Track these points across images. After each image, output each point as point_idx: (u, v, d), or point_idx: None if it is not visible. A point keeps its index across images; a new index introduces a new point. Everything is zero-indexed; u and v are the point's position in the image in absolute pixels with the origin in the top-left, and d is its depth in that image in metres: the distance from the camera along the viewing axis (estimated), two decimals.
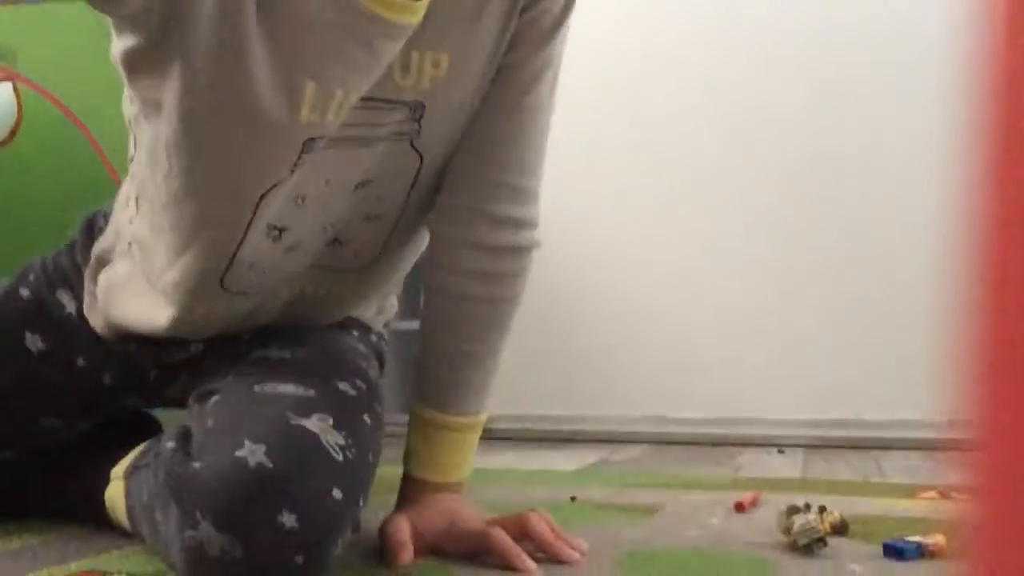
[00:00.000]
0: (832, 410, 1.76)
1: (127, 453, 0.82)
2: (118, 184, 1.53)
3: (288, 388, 0.68)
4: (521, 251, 0.77)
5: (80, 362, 0.84)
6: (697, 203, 1.87)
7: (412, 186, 0.75)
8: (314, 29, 0.61)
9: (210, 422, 0.67)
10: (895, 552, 0.70)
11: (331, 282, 0.80)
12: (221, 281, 0.72)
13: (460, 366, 0.77)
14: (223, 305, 0.75)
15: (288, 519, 0.59)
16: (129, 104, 0.71)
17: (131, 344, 0.82)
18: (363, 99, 0.66)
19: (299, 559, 0.60)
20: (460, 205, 0.76)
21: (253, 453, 0.60)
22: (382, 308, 0.93)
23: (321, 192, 0.71)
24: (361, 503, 0.66)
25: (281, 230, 0.71)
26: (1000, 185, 0.22)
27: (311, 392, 0.67)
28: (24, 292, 0.86)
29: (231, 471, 0.60)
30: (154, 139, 0.67)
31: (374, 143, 0.70)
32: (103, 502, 0.82)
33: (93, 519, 0.83)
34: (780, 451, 1.63)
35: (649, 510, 0.93)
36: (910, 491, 1.06)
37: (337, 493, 0.62)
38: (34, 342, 0.84)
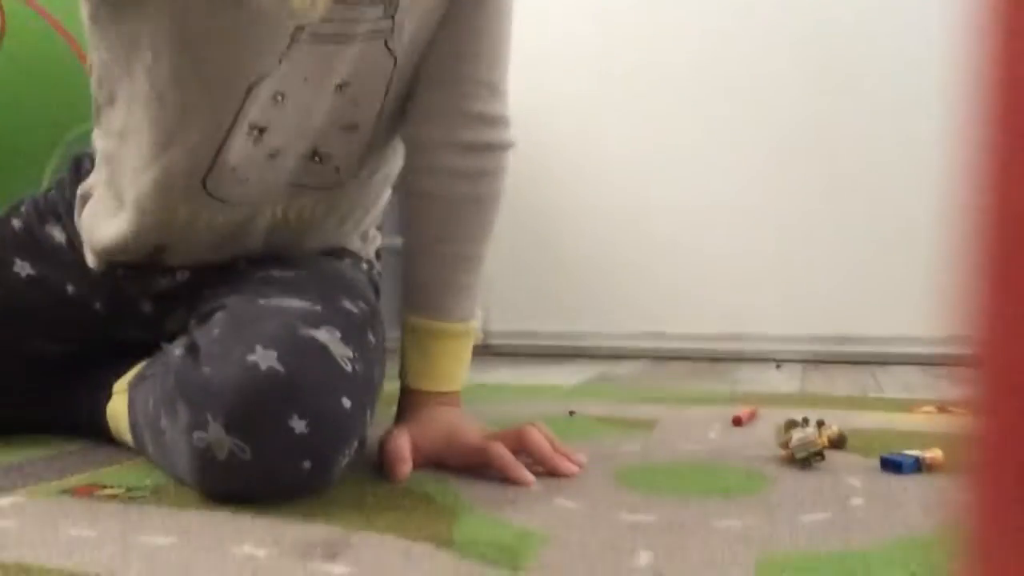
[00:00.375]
0: (830, 326, 1.76)
1: (129, 370, 0.82)
2: None
3: (294, 302, 0.67)
4: (498, 148, 0.78)
5: (70, 289, 0.85)
6: (701, 124, 1.84)
7: (387, 91, 0.75)
8: None
9: (216, 331, 0.66)
10: (892, 466, 0.71)
11: (312, 204, 0.80)
12: (204, 182, 0.72)
13: (450, 270, 0.78)
14: (206, 213, 0.75)
15: (298, 424, 0.60)
16: (90, 4, 0.69)
17: (118, 270, 0.82)
18: None
19: (306, 464, 0.60)
20: (435, 105, 0.76)
21: (264, 358, 0.60)
22: (366, 238, 0.93)
23: (300, 92, 0.70)
24: (368, 416, 0.66)
25: (262, 130, 0.71)
26: (997, 109, 0.21)
27: (317, 307, 0.67)
28: (15, 223, 0.87)
29: (242, 374, 0.60)
30: (135, 32, 0.66)
31: (351, 41, 0.70)
32: (105, 416, 0.82)
33: (95, 434, 0.84)
34: (778, 366, 1.64)
35: (647, 424, 0.94)
36: (907, 406, 1.07)
37: (346, 402, 0.62)
38: (23, 267, 0.84)
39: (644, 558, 0.50)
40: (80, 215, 0.83)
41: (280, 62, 0.67)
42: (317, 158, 0.76)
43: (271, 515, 0.59)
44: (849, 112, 1.75)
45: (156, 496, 0.65)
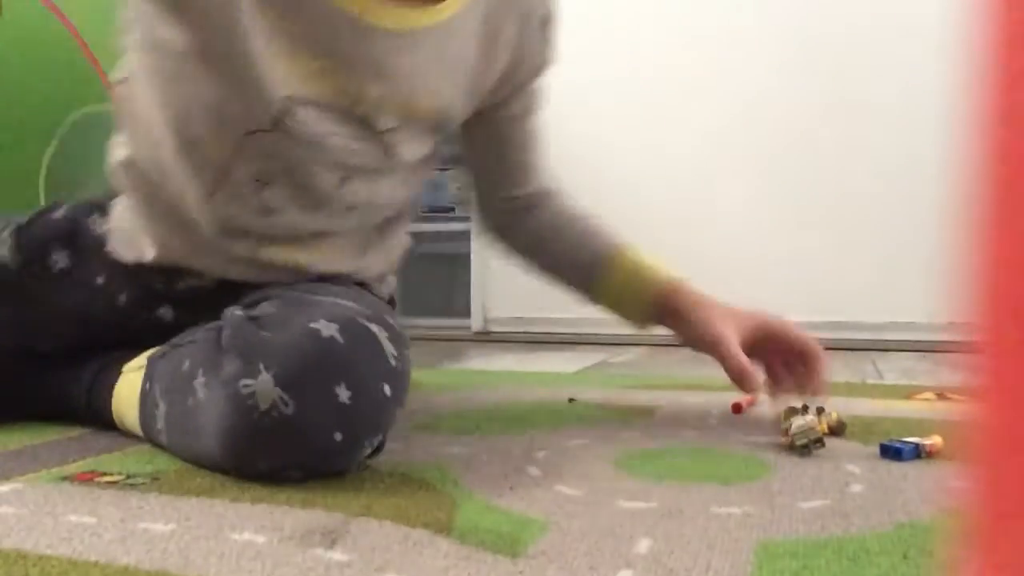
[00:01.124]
0: (829, 312, 1.76)
1: (138, 355, 0.82)
2: (103, 79, 1.49)
3: (346, 301, 0.69)
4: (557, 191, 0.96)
5: (99, 280, 0.85)
6: (700, 116, 1.84)
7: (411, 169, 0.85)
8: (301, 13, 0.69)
9: (275, 308, 0.68)
10: (892, 452, 0.71)
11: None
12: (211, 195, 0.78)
13: (595, 230, 0.94)
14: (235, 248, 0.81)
15: (343, 393, 0.61)
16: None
17: (149, 268, 0.84)
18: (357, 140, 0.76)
19: (338, 436, 0.62)
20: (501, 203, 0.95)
21: (326, 328, 0.63)
22: (382, 280, 0.94)
23: (306, 175, 0.77)
24: (398, 415, 0.67)
25: (264, 183, 0.77)
26: (999, 101, 0.21)
27: (368, 310, 0.68)
28: (58, 212, 0.88)
29: (303, 336, 0.63)
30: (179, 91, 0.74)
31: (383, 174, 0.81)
32: (110, 396, 0.82)
33: (90, 417, 0.84)
34: None
35: (647, 411, 0.94)
36: (907, 392, 1.07)
37: (387, 390, 0.64)
38: (59, 259, 0.85)
39: (644, 544, 0.50)
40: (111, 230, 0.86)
41: (273, 127, 0.73)
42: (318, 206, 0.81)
43: (270, 502, 0.59)
44: (849, 102, 1.75)
45: (156, 483, 0.65)
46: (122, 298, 0.86)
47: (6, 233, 0.85)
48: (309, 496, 0.60)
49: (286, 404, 0.61)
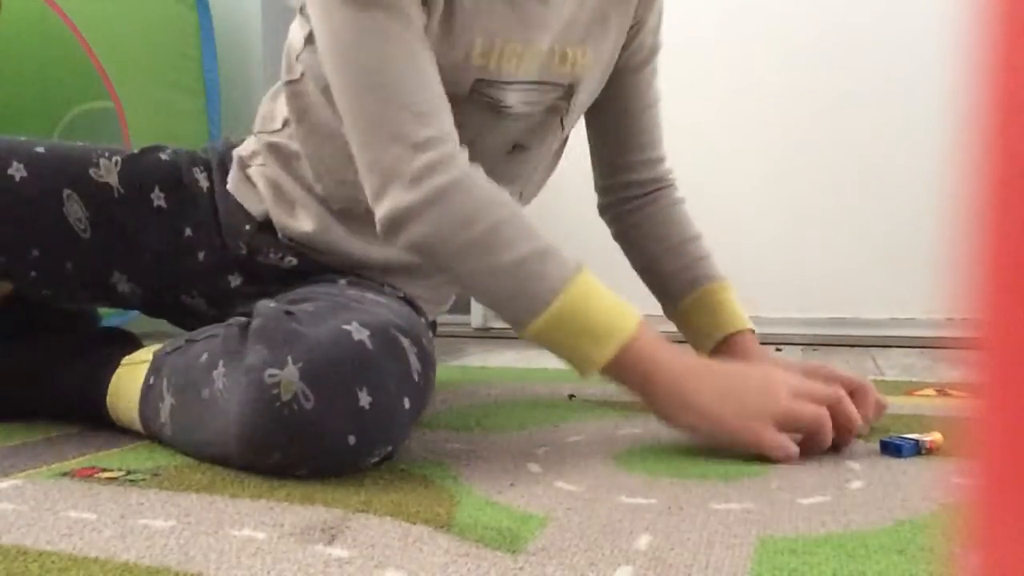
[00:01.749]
0: (830, 308, 1.76)
1: (135, 350, 0.83)
2: (103, 76, 1.49)
3: (385, 311, 0.70)
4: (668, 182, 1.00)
5: (187, 232, 0.87)
6: (702, 112, 1.83)
7: (552, 153, 0.94)
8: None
9: (312, 307, 0.69)
10: (892, 449, 0.71)
11: None
12: None
13: (694, 248, 0.97)
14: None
15: (364, 398, 0.62)
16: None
17: (249, 229, 0.88)
18: (536, 82, 0.82)
19: (351, 439, 0.62)
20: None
21: (359, 331, 0.64)
22: (439, 292, 0.96)
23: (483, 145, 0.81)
24: (410, 430, 0.68)
25: None
26: (1000, 97, 0.21)
27: (403, 324, 0.68)
28: (163, 155, 0.90)
29: (334, 336, 0.63)
30: None
31: (531, 116, 0.85)
32: (106, 389, 0.81)
33: (84, 411, 0.83)
34: (778, 349, 1.63)
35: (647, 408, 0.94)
36: (907, 389, 1.07)
37: (407, 403, 0.65)
38: (158, 197, 0.87)
39: (644, 540, 0.50)
40: (242, 182, 0.89)
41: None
42: None
43: (270, 498, 0.59)
44: (853, 99, 1.74)
45: (156, 479, 0.65)
46: (201, 255, 0.88)
47: (116, 159, 0.86)
48: (309, 492, 0.60)
49: (307, 399, 0.61)
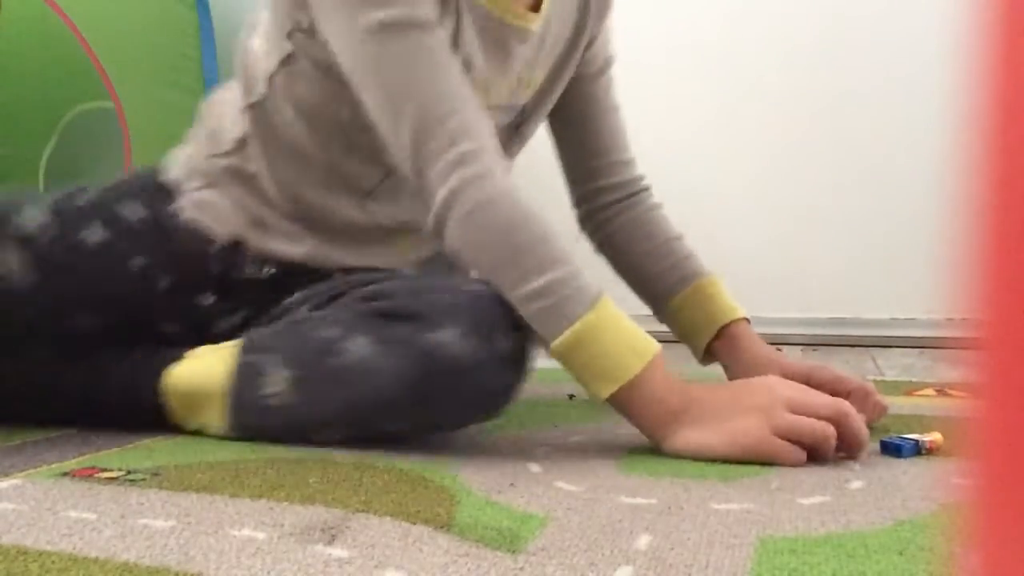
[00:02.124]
0: (829, 309, 1.76)
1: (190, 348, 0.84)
2: (103, 76, 1.49)
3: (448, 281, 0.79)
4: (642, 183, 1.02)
5: (137, 262, 0.85)
6: (703, 111, 1.83)
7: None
8: (472, 36, 0.79)
9: (412, 283, 0.78)
10: (892, 449, 0.71)
11: None
12: (368, 194, 0.88)
13: (678, 247, 0.99)
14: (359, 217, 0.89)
15: (505, 343, 0.71)
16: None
17: (216, 250, 0.87)
18: (498, 105, 0.86)
19: (502, 381, 0.72)
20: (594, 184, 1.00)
21: (480, 287, 0.73)
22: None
23: None
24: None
25: None
26: (1000, 96, 0.21)
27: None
28: (86, 195, 0.88)
29: (472, 295, 0.72)
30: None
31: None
32: (157, 378, 0.82)
33: (125, 406, 0.83)
34: (778, 349, 1.63)
35: None
36: (907, 389, 1.07)
37: (528, 347, 0.73)
38: (93, 233, 0.85)
39: (644, 540, 0.50)
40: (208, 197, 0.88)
41: None
42: None
43: (270, 498, 0.59)
44: (853, 99, 1.74)
45: (156, 479, 0.65)
46: (164, 283, 0.86)
47: (37, 203, 0.85)
48: (309, 492, 0.60)
49: (478, 349, 0.69)
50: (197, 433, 0.81)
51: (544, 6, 0.86)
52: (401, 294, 0.75)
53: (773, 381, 0.72)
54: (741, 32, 1.81)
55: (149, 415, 0.82)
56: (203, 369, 0.81)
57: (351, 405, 0.73)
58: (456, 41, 0.78)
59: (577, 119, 0.98)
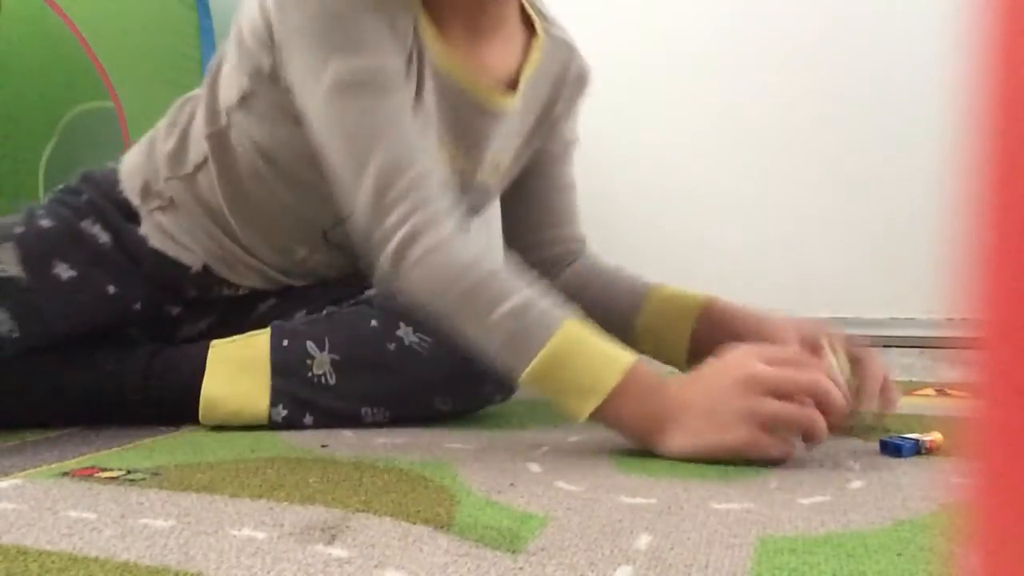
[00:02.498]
0: (830, 308, 1.76)
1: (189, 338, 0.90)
2: (103, 76, 1.49)
3: None
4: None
5: (111, 290, 0.87)
6: (704, 111, 1.84)
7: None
8: (440, 112, 0.81)
9: None
10: (892, 449, 0.71)
11: None
12: (324, 234, 0.89)
13: (625, 275, 0.98)
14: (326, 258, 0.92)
15: None
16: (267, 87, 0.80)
17: (191, 276, 0.90)
18: (468, 183, 0.87)
19: None
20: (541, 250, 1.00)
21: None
22: None
23: None
24: None
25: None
26: (1000, 95, 0.21)
27: None
28: (44, 223, 0.87)
29: None
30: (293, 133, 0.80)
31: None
32: (190, 365, 0.85)
33: (149, 392, 0.85)
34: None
35: None
36: (907, 388, 1.07)
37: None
38: (63, 270, 0.85)
39: (644, 540, 0.50)
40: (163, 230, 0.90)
41: None
42: None
43: (270, 498, 0.59)
44: (853, 100, 1.74)
45: (156, 479, 0.65)
46: (137, 306, 0.90)
47: (8, 245, 0.84)
48: (309, 492, 0.60)
49: None
50: (205, 430, 0.81)
51: (521, 84, 0.86)
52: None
53: (748, 367, 0.68)
54: (741, 32, 1.81)
55: (175, 404, 0.84)
56: (237, 357, 0.85)
57: (401, 386, 0.83)
58: (416, 105, 0.78)
59: (529, 195, 0.98)
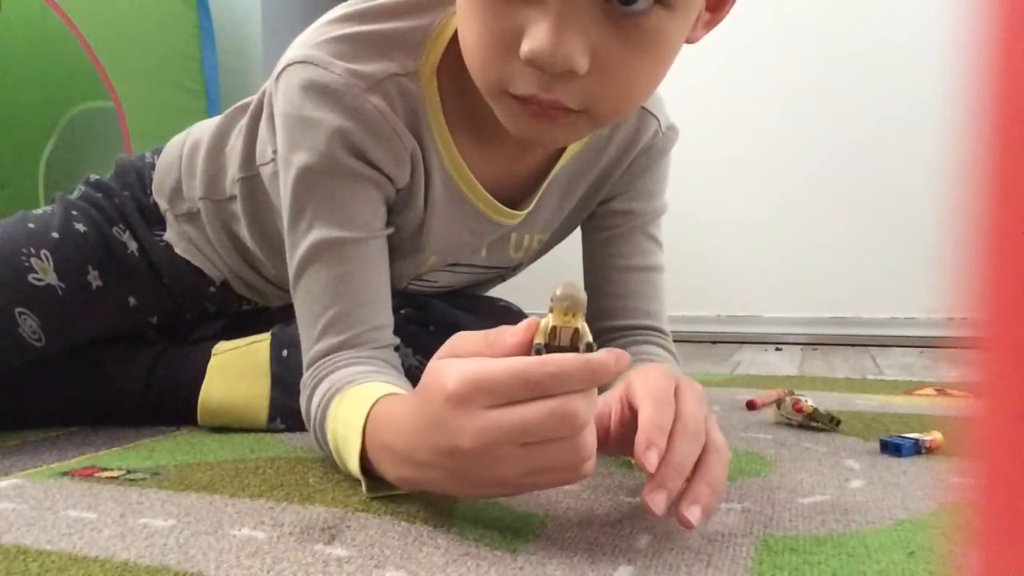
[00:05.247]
0: (830, 308, 1.76)
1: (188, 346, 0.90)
2: (103, 76, 1.49)
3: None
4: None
5: (132, 301, 0.88)
6: (703, 111, 1.83)
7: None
8: (441, 218, 0.74)
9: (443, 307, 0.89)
10: (892, 448, 0.71)
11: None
12: None
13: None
14: None
15: None
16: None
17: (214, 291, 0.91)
18: (485, 267, 0.84)
19: None
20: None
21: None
22: None
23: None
24: None
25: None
26: (999, 95, 0.21)
27: None
28: (78, 226, 0.86)
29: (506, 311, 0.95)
30: None
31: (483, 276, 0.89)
32: (191, 370, 0.85)
33: (151, 396, 0.86)
34: (778, 349, 1.64)
35: None
36: (907, 388, 1.07)
37: None
38: (95, 278, 0.85)
39: (644, 540, 0.50)
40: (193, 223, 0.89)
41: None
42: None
43: (270, 498, 0.59)
44: (852, 101, 1.75)
45: (156, 478, 0.65)
46: (154, 320, 0.92)
47: (44, 252, 0.83)
48: (309, 492, 0.60)
49: None
50: (205, 431, 0.81)
51: (535, 199, 0.77)
52: (435, 307, 0.86)
53: (449, 387, 0.47)
54: (743, 32, 1.81)
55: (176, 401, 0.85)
56: (237, 361, 0.85)
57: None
58: (424, 201, 0.72)
59: (591, 271, 0.84)
